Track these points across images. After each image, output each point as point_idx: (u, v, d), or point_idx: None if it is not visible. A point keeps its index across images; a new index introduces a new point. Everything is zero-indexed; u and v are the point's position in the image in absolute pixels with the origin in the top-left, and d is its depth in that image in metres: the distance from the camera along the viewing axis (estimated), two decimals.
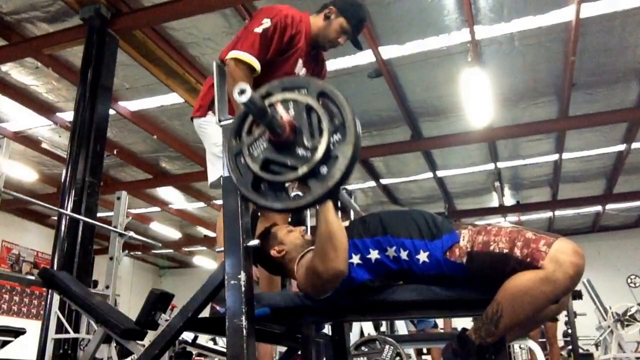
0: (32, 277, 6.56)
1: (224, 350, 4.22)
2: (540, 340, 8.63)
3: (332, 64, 6.04)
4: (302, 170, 1.23)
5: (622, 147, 8.23)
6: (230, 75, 2.02)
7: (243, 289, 1.38)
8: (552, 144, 8.22)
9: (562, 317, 8.10)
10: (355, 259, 1.67)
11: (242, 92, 1.13)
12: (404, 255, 1.66)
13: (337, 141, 1.23)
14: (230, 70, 2.04)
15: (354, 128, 1.23)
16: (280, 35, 2.11)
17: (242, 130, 1.35)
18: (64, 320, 4.05)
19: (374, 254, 1.67)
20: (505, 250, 1.52)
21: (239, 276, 1.39)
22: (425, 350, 6.71)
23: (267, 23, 2.08)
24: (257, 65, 2.06)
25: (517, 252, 1.49)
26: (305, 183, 1.25)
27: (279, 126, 1.22)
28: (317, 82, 1.32)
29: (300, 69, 2.28)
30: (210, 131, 2.20)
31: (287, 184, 1.30)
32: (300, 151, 1.25)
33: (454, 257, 1.61)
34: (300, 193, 1.30)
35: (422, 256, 1.66)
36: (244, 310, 1.35)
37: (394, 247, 1.66)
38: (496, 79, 6.25)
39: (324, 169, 1.23)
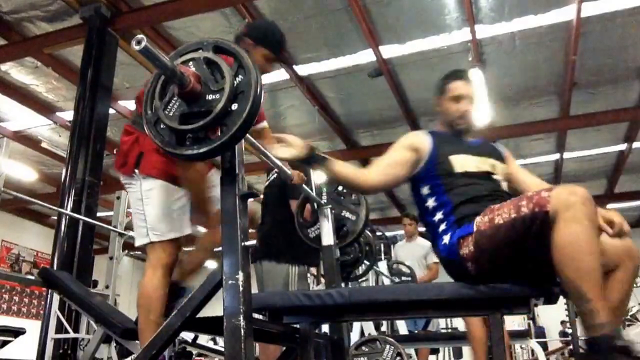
0: (32, 277, 6.55)
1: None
2: (540, 340, 8.62)
3: (333, 64, 6.04)
4: (215, 111, 1.34)
5: (623, 146, 8.22)
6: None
7: (241, 288, 1.37)
8: (553, 143, 8.21)
9: (563, 316, 8.09)
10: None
11: (138, 42, 1.20)
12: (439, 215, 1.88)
13: (240, 81, 1.37)
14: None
15: (252, 66, 1.37)
16: None
17: (153, 99, 1.45)
18: (63, 320, 4.05)
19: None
20: (513, 215, 1.57)
21: (236, 276, 1.38)
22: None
23: None
24: None
25: (524, 209, 1.55)
26: (223, 123, 1.37)
27: (185, 79, 1.35)
28: (209, 39, 1.46)
29: None
30: (137, 194, 2.06)
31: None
32: (210, 97, 1.37)
33: (465, 245, 1.72)
34: None
35: (445, 239, 1.80)
36: (241, 310, 1.34)
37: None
38: (497, 78, 6.24)
39: (234, 106, 1.36)
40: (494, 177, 1.96)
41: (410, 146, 2.04)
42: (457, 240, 1.75)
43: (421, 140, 2.04)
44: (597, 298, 1.42)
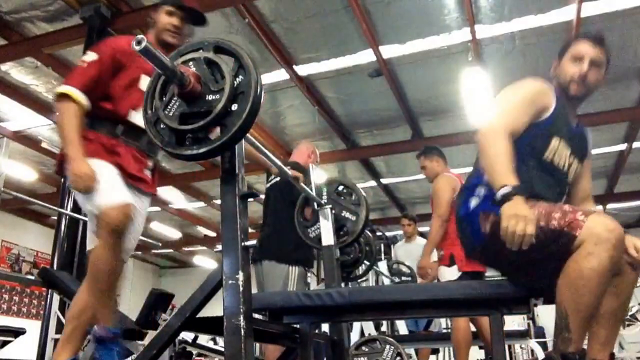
0: (32, 277, 6.56)
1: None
2: (540, 340, 8.62)
3: (333, 64, 6.04)
4: (215, 111, 1.34)
5: (623, 146, 8.22)
6: (60, 110, 2.01)
7: (241, 288, 1.37)
8: None
9: None
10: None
11: (138, 42, 1.21)
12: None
13: (240, 81, 1.38)
14: (58, 106, 2.02)
15: (252, 66, 1.37)
16: (107, 63, 2.08)
17: (153, 99, 1.45)
18: (64, 320, 4.05)
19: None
20: (542, 223, 1.51)
21: (237, 276, 1.38)
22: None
23: (92, 56, 2.08)
24: (82, 99, 2.02)
25: (554, 223, 1.50)
26: (223, 124, 1.37)
27: (186, 79, 1.35)
28: (210, 39, 1.46)
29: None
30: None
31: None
32: (210, 97, 1.37)
33: (485, 221, 1.67)
34: None
35: (473, 202, 1.74)
36: (241, 310, 1.34)
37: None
38: (497, 78, 6.24)
39: (234, 106, 1.36)
40: (567, 179, 1.86)
41: (542, 109, 1.77)
42: (479, 213, 1.70)
43: (549, 105, 1.80)
44: (578, 333, 1.46)
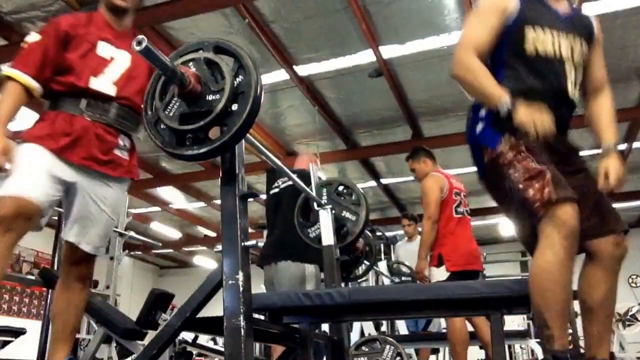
0: (33, 277, 6.55)
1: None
2: (539, 340, 8.61)
3: (333, 64, 6.04)
4: (216, 111, 1.35)
5: (623, 146, 8.22)
6: (6, 93, 1.97)
7: (241, 288, 1.37)
8: None
9: None
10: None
11: (139, 42, 1.21)
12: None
13: (240, 82, 1.38)
14: (6, 88, 1.99)
15: (252, 67, 1.38)
16: (51, 39, 2.07)
17: (153, 100, 1.45)
18: None
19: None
20: (521, 185, 1.56)
21: (237, 276, 1.39)
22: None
23: (33, 37, 2.09)
24: (25, 79, 2.01)
25: (530, 191, 1.53)
26: (223, 124, 1.37)
27: (186, 79, 1.36)
28: (210, 39, 1.48)
29: (110, 50, 2.12)
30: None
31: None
32: (210, 97, 1.38)
33: (485, 155, 1.73)
34: None
35: (478, 128, 1.80)
36: (241, 310, 1.35)
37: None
38: None
39: (234, 106, 1.37)
40: (567, 65, 1.74)
41: (503, 11, 1.71)
42: (482, 146, 1.76)
43: (509, 2, 1.73)
44: (557, 327, 1.46)
